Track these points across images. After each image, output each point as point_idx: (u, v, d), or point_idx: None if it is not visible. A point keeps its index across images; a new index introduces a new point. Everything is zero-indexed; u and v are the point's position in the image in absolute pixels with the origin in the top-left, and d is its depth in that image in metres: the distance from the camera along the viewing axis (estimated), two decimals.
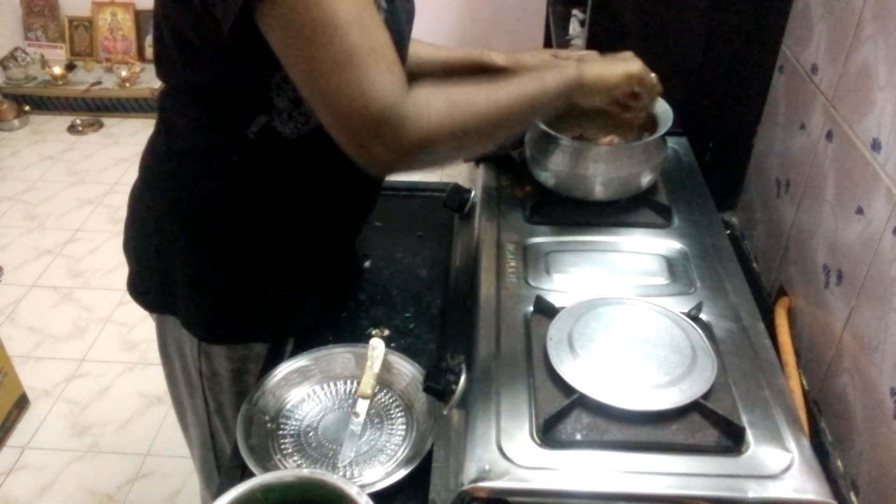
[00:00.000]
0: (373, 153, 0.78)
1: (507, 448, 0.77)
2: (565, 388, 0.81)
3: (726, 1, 1.27)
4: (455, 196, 1.22)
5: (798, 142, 1.20)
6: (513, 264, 1.02)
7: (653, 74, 1.05)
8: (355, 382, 1.01)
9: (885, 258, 0.91)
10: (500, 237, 1.07)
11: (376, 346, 1.03)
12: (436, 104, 0.78)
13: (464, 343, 0.95)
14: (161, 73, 0.95)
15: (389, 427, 0.96)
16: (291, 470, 0.89)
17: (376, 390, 1.00)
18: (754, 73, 1.34)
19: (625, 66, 1.00)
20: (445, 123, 0.79)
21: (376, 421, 0.97)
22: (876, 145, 0.95)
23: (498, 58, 1.14)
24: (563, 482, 0.74)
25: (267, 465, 0.89)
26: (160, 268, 1.04)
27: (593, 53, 1.11)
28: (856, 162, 1.00)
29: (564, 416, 0.79)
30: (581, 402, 0.80)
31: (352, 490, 0.72)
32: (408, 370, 1.01)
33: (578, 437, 0.78)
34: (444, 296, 1.16)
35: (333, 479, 0.74)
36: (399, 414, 0.98)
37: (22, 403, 2.13)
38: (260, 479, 0.75)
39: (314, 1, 0.73)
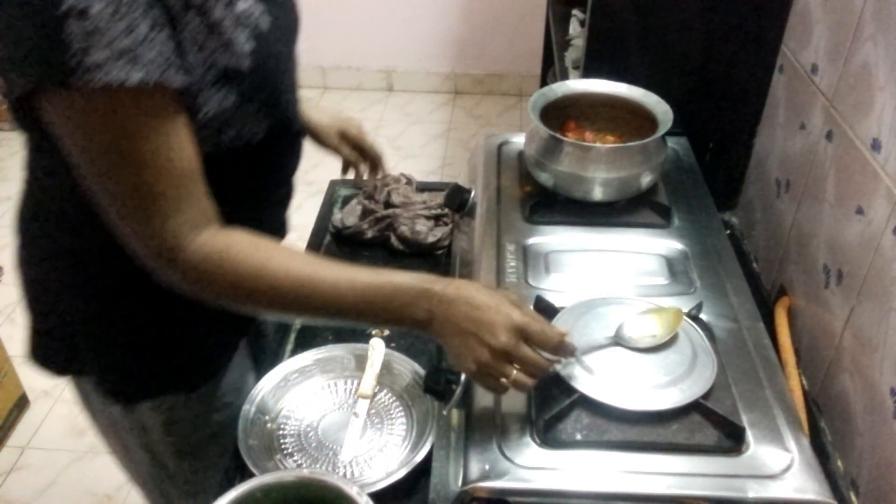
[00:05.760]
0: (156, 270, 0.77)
1: (507, 448, 0.77)
2: (565, 388, 0.81)
3: (726, 1, 1.27)
4: (455, 196, 1.22)
5: (798, 142, 1.20)
6: (513, 264, 1.02)
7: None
8: (355, 382, 1.01)
9: (885, 258, 0.90)
10: (500, 237, 1.07)
11: (376, 346, 1.03)
12: (219, 269, 0.75)
13: None
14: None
15: (389, 427, 0.96)
16: (291, 470, 0.89)
17: (376, 390, 1.00)
18: (754, 73, 1.33)
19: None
20: (218, 289, 0.76)
21: (376, 421, 0.97)
22: (876, 145, 0.95)
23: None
24: (563, 482, 0.74)
25: (267, 465, 0.89)
26: (61, 330, 0.96)
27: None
28: (856, 162, 1.00)
29: (564, 416, 0.79)
30: (581, 402, 0.80)
31: (352, 490, 0.72)
32: (408, 370, 1.01)
33: (578, 437, 0.78)
34: None
35: (333, 479, 0.74)
36: (399, 414, 0.98)
37: (22, 403, 2.13)
38: (259, 479, 0.75)
39: (114, 126, 0.67)
